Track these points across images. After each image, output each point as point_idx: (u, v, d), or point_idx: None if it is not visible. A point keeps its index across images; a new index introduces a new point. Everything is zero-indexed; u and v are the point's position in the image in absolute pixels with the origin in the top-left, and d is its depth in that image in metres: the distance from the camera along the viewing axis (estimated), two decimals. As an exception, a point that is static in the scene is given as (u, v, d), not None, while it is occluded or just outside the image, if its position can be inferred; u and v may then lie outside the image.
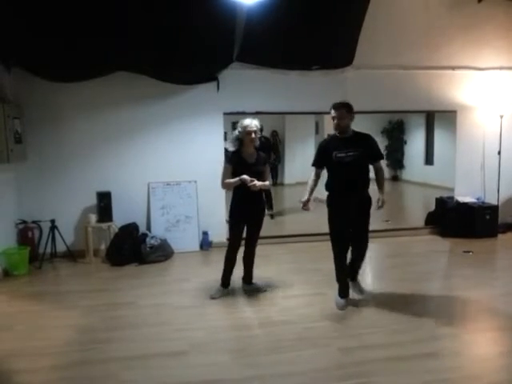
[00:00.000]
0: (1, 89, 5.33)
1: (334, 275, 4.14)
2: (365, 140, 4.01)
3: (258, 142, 4.21)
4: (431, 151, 12.47)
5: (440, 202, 7.03)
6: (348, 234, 4.04)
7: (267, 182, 4.33)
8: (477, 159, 6.95)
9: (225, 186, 4.29)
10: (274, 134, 12.60)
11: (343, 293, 4.13)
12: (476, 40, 6.65)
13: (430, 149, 12.53)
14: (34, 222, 5.72)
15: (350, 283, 4.24)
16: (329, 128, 9.40)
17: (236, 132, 4.20)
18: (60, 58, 4.97)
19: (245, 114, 5.95)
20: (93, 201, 5.83)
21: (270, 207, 7.98)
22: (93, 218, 5.71)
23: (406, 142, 13.89)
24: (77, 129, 5.86)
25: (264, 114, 6.48)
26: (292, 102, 6.29)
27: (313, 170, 4.12)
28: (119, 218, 5.84)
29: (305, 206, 4.01)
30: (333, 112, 3.93)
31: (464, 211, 6.61)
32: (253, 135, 4.13)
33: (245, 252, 4.43)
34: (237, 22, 5.13)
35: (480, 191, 6.96)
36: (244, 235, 4.38)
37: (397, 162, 14.03)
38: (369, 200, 4.01)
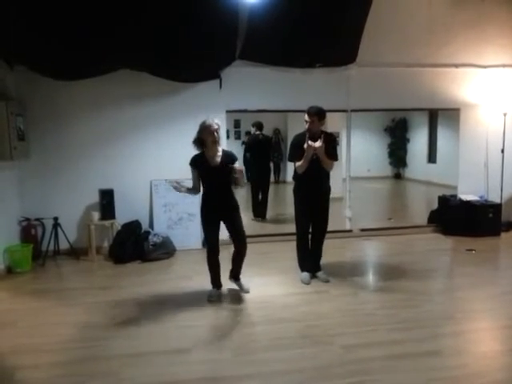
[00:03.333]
0: (4, 86, 5.35)
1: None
2: (329, 141, 4.46)
3: (220, 143, 4.10)
4: (434, 149, 12.44)
5: (443, 200, 7.00)
6: (310, 214, 4.63)
7: (237, 174, 4.01)
8: (480, 157, 6.92)
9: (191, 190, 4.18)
10: (277, 131, 12.59)
11: None
12: (479, 38, 6.62)
13: (433, 147, 12.51)
14: (36, 219, 5.73)
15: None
16: (331, 125, 9.44)
17: (196, 133, 4.06)
18: (62, 56, 4.95)
19: (247, 112, 5.98)
20: (95, 198, 5.85)
21: (264, 215, 8.03)
22: (95, 215, 5.72)
23: (408, 140, 13.88)
24: (79, 126, 5.86)
25: (266, 112, 6.49)
26: (295, 100, 6.27)
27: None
28: (122, 216, 5.85)
29: None
30: (306, 117, 4.42)
31: (467, 209, 6.58)
32: (214, 135, 4.00)
33: (234, 252, 4.32)
34: (239, 20, 5.13)
35: (483, 189, 6.93)
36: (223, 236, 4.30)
37: (400, 160, 14.02)
38: (329, 189, 4.68)
